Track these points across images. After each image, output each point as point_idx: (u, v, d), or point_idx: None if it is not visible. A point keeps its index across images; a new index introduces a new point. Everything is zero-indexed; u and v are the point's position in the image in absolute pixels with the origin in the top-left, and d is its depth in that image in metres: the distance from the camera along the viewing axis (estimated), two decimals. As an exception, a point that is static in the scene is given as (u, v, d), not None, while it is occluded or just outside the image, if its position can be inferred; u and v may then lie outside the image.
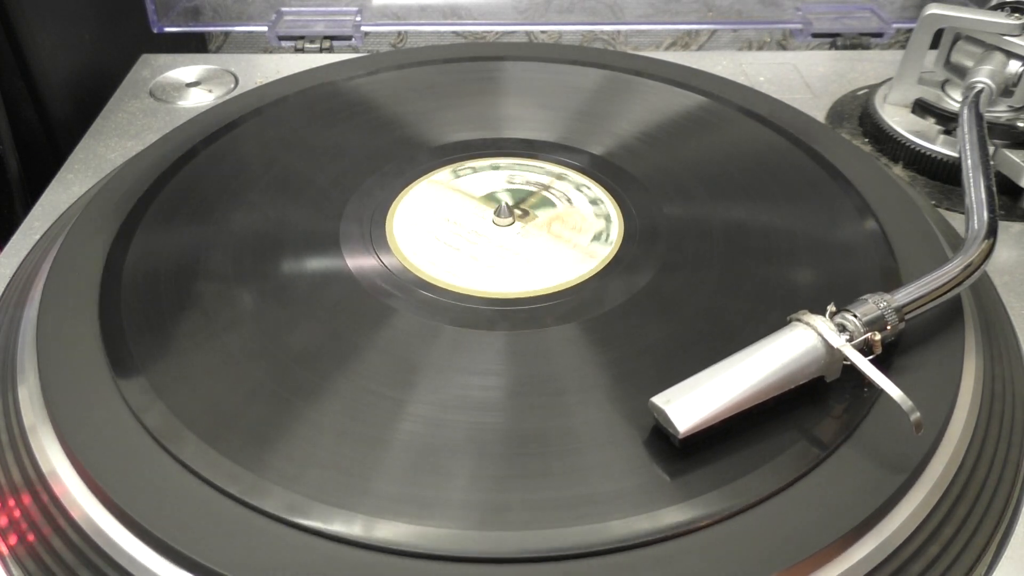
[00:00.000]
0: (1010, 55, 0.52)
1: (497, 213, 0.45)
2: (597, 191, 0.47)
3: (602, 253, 0.42)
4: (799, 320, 0.34)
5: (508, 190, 0.47)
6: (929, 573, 0.31)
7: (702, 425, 0.32)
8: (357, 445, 0.33)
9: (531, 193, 0.47)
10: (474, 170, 0.48)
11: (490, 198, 0.47)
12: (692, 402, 0.32)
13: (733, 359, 0.33)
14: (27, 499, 0.34)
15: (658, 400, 0.32)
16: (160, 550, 0.30)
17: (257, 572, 0.29)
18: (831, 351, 0.33)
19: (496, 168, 0.49)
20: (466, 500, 0.31)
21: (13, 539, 0.33)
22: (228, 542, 0.30)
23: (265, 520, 0.30)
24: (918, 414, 0.31)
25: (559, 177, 0.48)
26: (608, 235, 0.43)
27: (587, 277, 0.41)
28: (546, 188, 0.47)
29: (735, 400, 0.32)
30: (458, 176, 0.48)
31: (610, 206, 0.46)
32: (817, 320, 0.33)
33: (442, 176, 0.48)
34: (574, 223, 0.44)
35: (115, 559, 0.31)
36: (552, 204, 0.46)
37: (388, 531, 0.30)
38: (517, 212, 0.45)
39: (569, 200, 0.46)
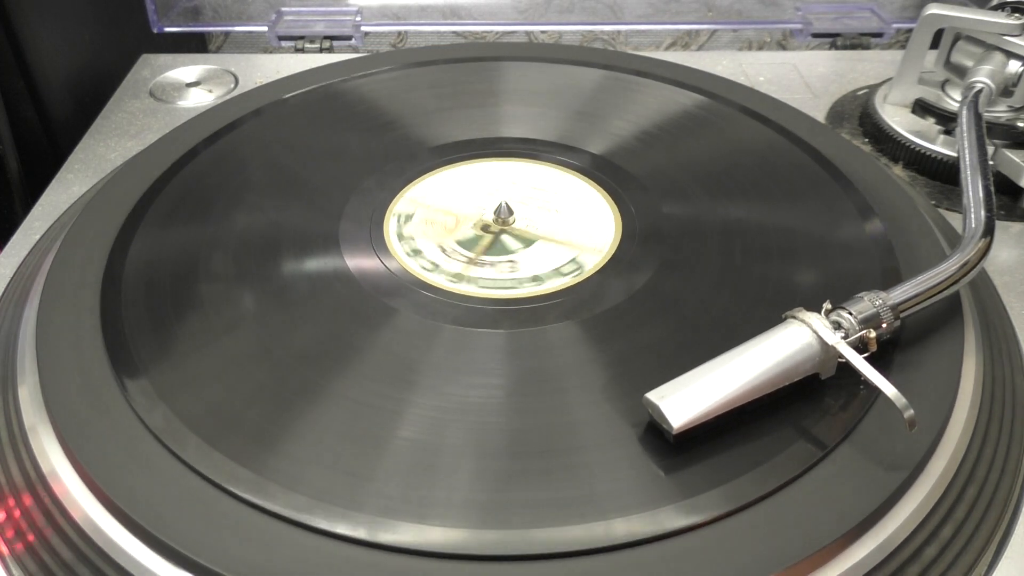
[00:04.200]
0: (1010, 55, 0.52)
1: (497, 213, 0.45)
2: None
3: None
4: (794, 317, 0.34)
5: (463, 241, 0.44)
6: (929, 573, 0.31)
7: (696, 421, 0.32)
8: (358, 445, 0.33)
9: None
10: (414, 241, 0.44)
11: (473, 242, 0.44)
12: (686, 398, 0.32)
13: (728, 356, 0.33)
14: (27, 499, 0.34)
15: (652, 396, 0.32)
16: (160, 550, 0.30)
17: (258, 572, 0.29)
18: (826, 348, 0.33)
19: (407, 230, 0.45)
20: (467, 499, 0.31)
21: (14, 539, 0.33)
22: (229, 542, 0.30)
23: (266, 520, 0.30)
24: (912, 411, 0.31)
25: (407, 218, 0.45)
26: None
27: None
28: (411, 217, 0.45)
29: (729, 396, 0.32)
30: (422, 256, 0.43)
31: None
32: (812, 317, 0.33)
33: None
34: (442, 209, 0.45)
35: (115, 559, 0.31)
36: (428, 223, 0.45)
37: (389, 531, 0.30)
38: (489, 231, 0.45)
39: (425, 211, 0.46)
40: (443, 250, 0.43)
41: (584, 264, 0.42)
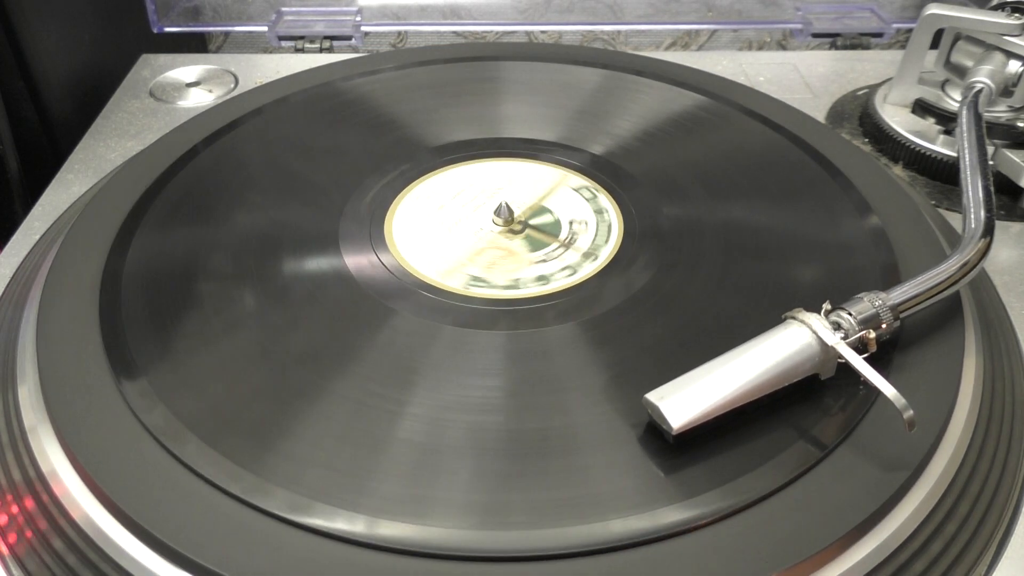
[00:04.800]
0: (1010, 55, 0.52)
1: (497, 213, 0.45)
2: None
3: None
4: (794, 318, 0.34)
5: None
6: (929, 573, 0.31)
7: (696, 422, 0.32)
8: (358, 445, 0.33)
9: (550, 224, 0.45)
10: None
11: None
12: (686, 399, 0.32)
13: (727, 356, 0.33)
14: (27, 499, 0.34)
15: (652, 396, 0.32)
16: (160, 550, 0.30)
17: (257, 572, 0.29)
18: (825, 349, 0.33)
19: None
20: (466, 500, 0.31)
21: (13, 539, 0.33)
22: (228, 542, 0.30)
23: (266, 520, 0.30)
24: (911, 412, 0.31)
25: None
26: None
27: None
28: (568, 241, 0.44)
29: (729, 397, 0.32)
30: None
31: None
32: (812, 318, 0.33)
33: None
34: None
35: (115, 559, 0.31)
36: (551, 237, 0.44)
37: (389, 531, 0.30)
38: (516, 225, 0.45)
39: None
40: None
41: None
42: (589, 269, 0.42)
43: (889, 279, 0.39)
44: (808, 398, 0.34)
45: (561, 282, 0.41)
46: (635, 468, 0.32)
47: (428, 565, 0.29)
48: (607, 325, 0.38)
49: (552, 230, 0.45)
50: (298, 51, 0.71)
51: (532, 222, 0.45)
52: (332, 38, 0.71)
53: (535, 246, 0.44)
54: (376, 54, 0.63)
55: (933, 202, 0.52)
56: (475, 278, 0.41)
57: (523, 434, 0.33)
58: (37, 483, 0.34)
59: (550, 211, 0.46)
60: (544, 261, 0.43)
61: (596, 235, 0.44)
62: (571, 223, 0.45)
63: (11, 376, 0.38)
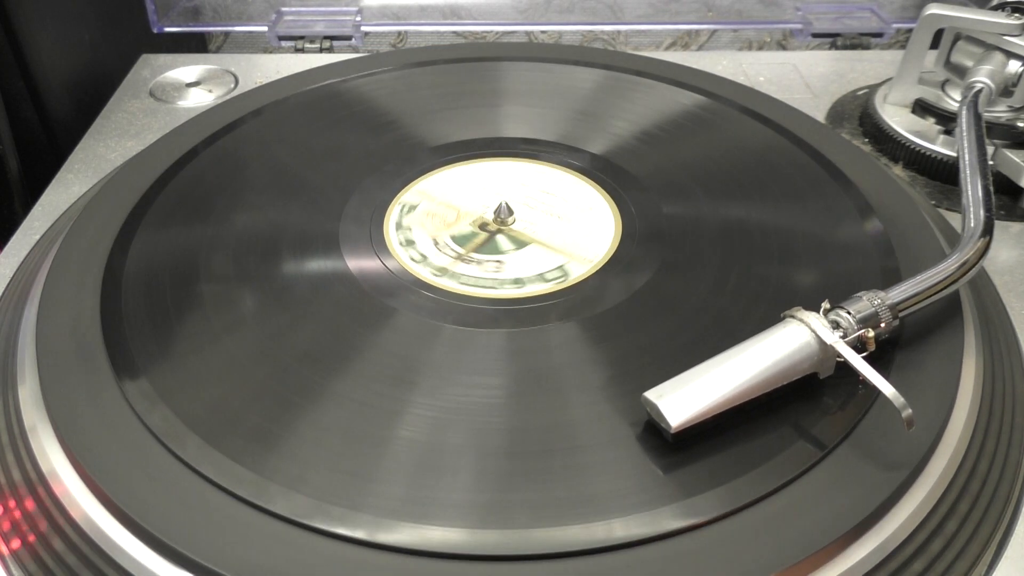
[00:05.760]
0: (1010, 55, 0.52)
1: (497, 213, 0.45)
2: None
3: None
4: (792, 316, 0.34)
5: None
6: (929, 573, 0.31)
7: (694, 420, 0.32)
8: (359, 446, 0.33)
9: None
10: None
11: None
12: (685, 397, 0.32)
13: (726, 355, 0.33)
14: (27, 499, 0.34)
15: (651, 395, 0.32)
16: (160, 550, 0.30)
17: (258, 572, 0.29)
18: (824, 348, 0.33)
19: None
20: (468, 500, 0.31)
21: (14, 540, 0.33)
22: (230, 543, 0.30)
23: (267, 521, 0.30)
24: (910, 411, 0.31)
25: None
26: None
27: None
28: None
29: (728, 395, 0.32)
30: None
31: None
32: (811, 317, 0.34)
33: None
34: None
35: (115, 559, 0.31)
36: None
37: (390, 531, 0.30)
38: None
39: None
40: (436, 243, 0.43)
41: (570, 272, 0.42)
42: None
43: (889, 278, 0.39)
44: (807, 397, 0.34)
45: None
46: (635, 468, 0.32)
47: (429, 565, 0.29)
48: (607, 325, 0.38)
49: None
50: (298, 51, 0.71)
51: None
52: (332, 38, 0.71)
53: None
54: (376, 54, 0.63)
55: (933, 202, 0.52)
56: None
57: (523, 434, 0.33)
58: (37, 483, 0.34)
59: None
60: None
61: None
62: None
63: (11, 376, 0.38)
